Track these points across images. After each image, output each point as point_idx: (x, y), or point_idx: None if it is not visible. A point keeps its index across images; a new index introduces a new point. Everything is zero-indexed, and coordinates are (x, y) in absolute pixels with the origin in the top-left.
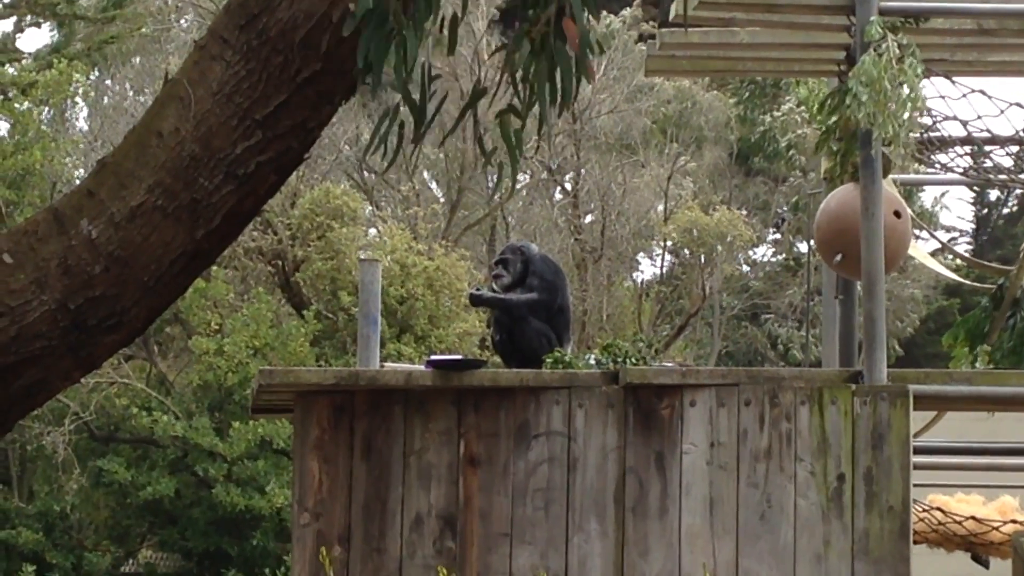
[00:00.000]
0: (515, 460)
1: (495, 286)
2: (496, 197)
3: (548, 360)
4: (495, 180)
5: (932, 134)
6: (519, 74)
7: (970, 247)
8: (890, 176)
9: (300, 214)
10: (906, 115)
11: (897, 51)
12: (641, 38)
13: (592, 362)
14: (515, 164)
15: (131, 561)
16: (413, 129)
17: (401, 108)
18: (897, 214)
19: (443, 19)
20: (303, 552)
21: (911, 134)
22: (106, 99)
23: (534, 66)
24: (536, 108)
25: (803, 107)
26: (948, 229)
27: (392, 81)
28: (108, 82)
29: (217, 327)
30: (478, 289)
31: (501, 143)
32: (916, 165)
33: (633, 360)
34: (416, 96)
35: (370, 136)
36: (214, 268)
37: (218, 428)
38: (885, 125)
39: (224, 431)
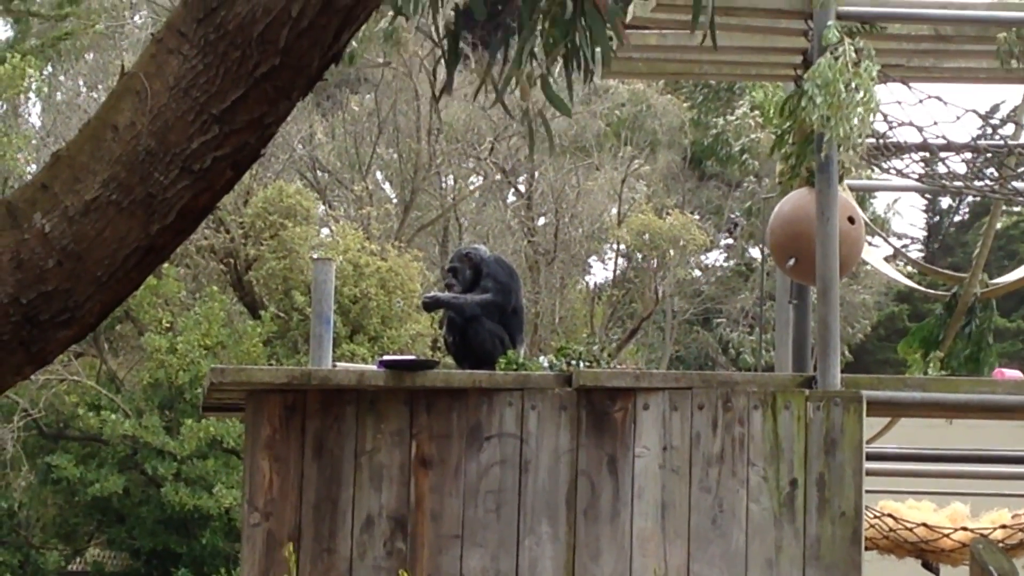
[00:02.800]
0: (467, 461)
1: (448, 291)
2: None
3: (501, 361)
4: (450, 180)
5: (887, 139)
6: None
7: (921, 254)
8: (845, 181)
9: (253, 212)
10: (858, 119)
11: (854, 55)
12: None
13: (545, 364)
14: (566, 110)
15: (79, 559)
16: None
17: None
18: (851, 219)
19: None
20: (252, 552)
21: (866, 139)
22: (59, 95)
23: (562, 30)
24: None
25: (757, 111)
26: (900, 236)
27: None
28: (62, 78)
29: (168, 325)
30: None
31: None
32: (869, 171)
33: (586, 363)
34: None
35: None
36: (166, 266)
37: (168, 426)
38: (838, 128)
39: (174, 430)
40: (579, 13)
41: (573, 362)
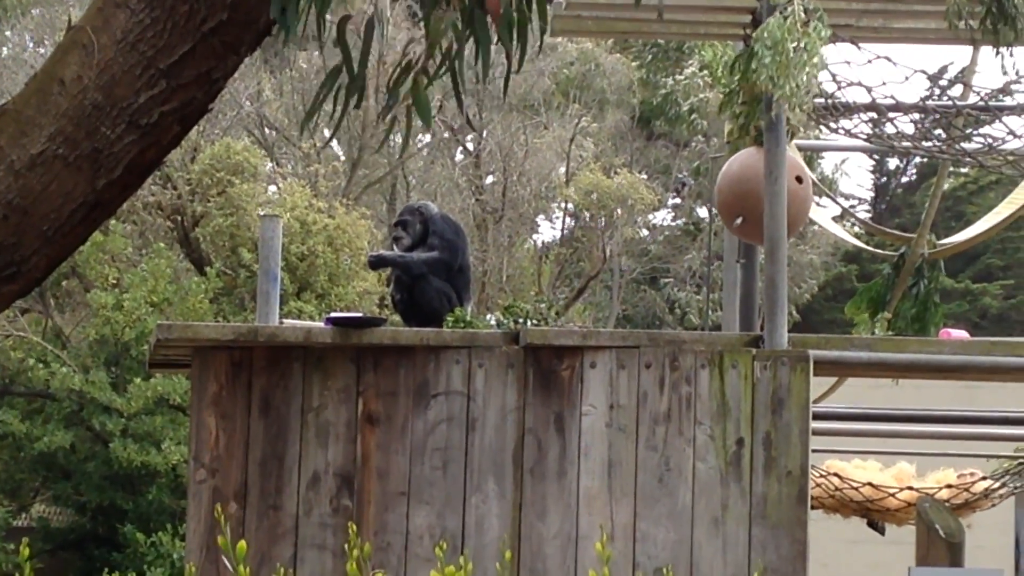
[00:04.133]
0: (414, 419)
1: (395, 248)
2: (397, 155)
3: (449, 319)
4: (399, 137)
5: (836, 99)
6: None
7: (869, 214)
8: (793, 141)
9: (200, 169)
10: (805, 78)
11: (803, 15)
12: None
13: (493, 322)
14: (427, 120)
15: (24, 515)
16: (347, 91)
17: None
18: (799, 179)
19: None
20: (198, 508)
21: (814, 99)
22: (5, 50)
23: (453, 38)
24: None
25: (705, 71)
26: (848, 196)
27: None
28: (8, 33)
29: (115, 281)
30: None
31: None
32: (817, 131)
33: (534, 321)
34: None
35: (310, 105)
36: (112, 222)
37: (114, 383)
38: (785, 87)
39: (120, 386)
40: (468, 22)
41: (520, 320)
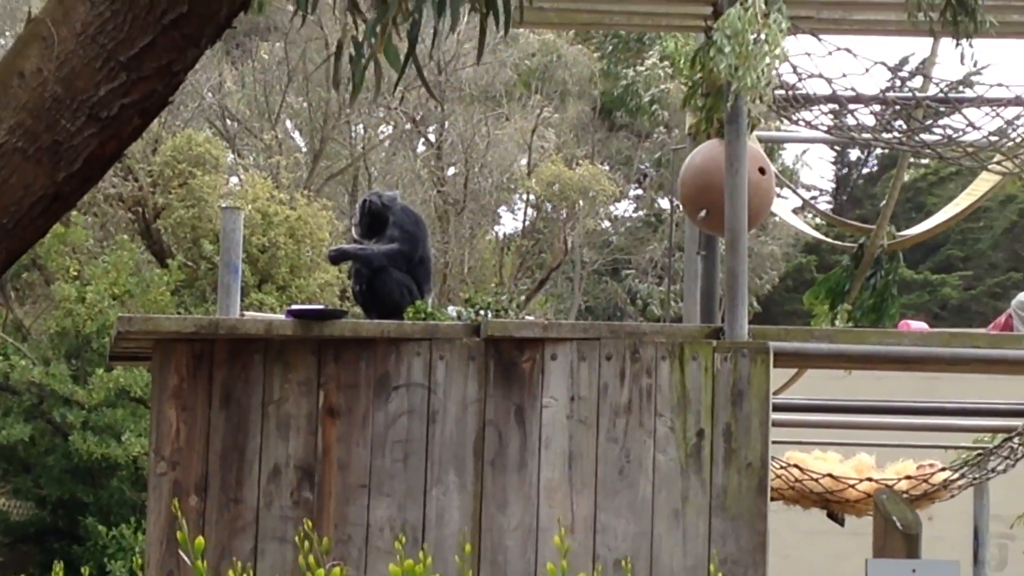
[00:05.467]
0: (375, 411)
1: (353, 234)
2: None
3: (409, 311)
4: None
5: (797, 91)
6: None
7: (830, 206)
8: (754, 133)
9: (161, 161)
10: (764, 69)
11: (763, 6)
12: None
13: (453, 314)
14: (397, 65)
15: None
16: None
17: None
18: (762, 171)
19: None
20: (159, 501)
21: (776, 90)
22: None
23: None
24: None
25: (666, 62)
26: (809, 187)
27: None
28: None
29: (76, 273)
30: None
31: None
32: (778, 122)
33: (495, 313)
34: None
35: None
36: (73, 213)
37: (75, 375)
38: (745, 78)
39: (81, 378)
40: None
41: (482, 312)
